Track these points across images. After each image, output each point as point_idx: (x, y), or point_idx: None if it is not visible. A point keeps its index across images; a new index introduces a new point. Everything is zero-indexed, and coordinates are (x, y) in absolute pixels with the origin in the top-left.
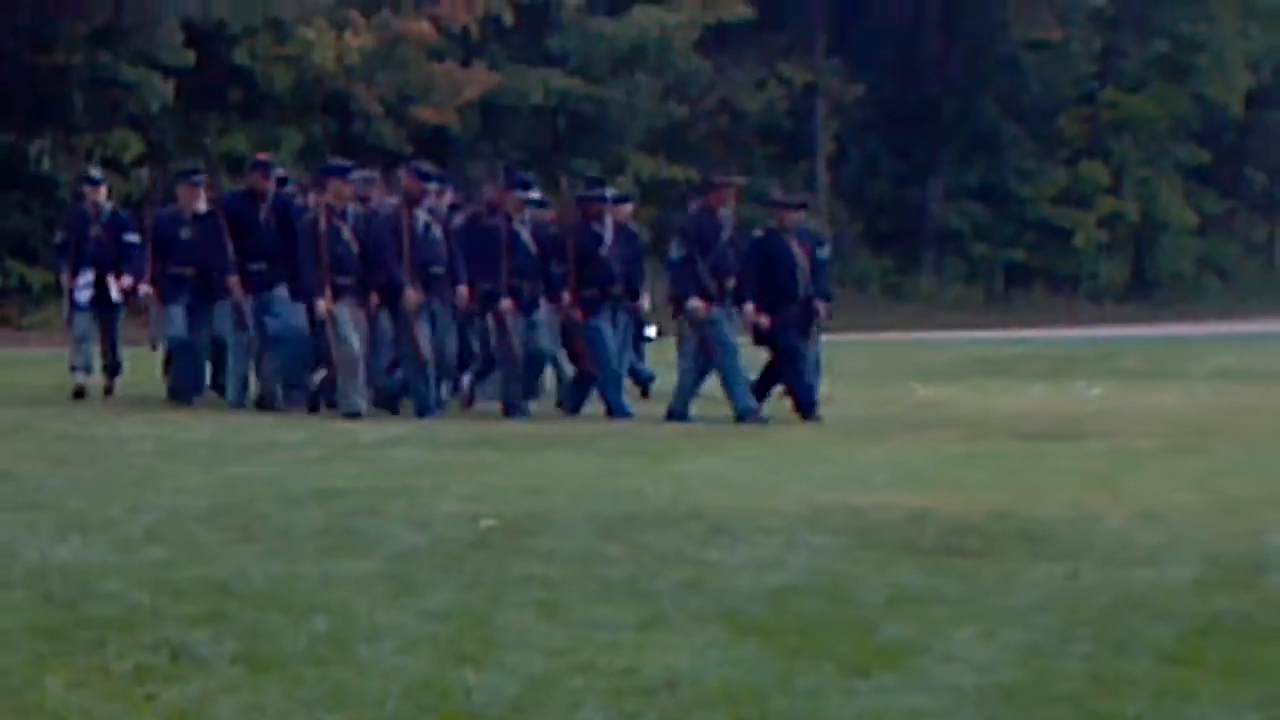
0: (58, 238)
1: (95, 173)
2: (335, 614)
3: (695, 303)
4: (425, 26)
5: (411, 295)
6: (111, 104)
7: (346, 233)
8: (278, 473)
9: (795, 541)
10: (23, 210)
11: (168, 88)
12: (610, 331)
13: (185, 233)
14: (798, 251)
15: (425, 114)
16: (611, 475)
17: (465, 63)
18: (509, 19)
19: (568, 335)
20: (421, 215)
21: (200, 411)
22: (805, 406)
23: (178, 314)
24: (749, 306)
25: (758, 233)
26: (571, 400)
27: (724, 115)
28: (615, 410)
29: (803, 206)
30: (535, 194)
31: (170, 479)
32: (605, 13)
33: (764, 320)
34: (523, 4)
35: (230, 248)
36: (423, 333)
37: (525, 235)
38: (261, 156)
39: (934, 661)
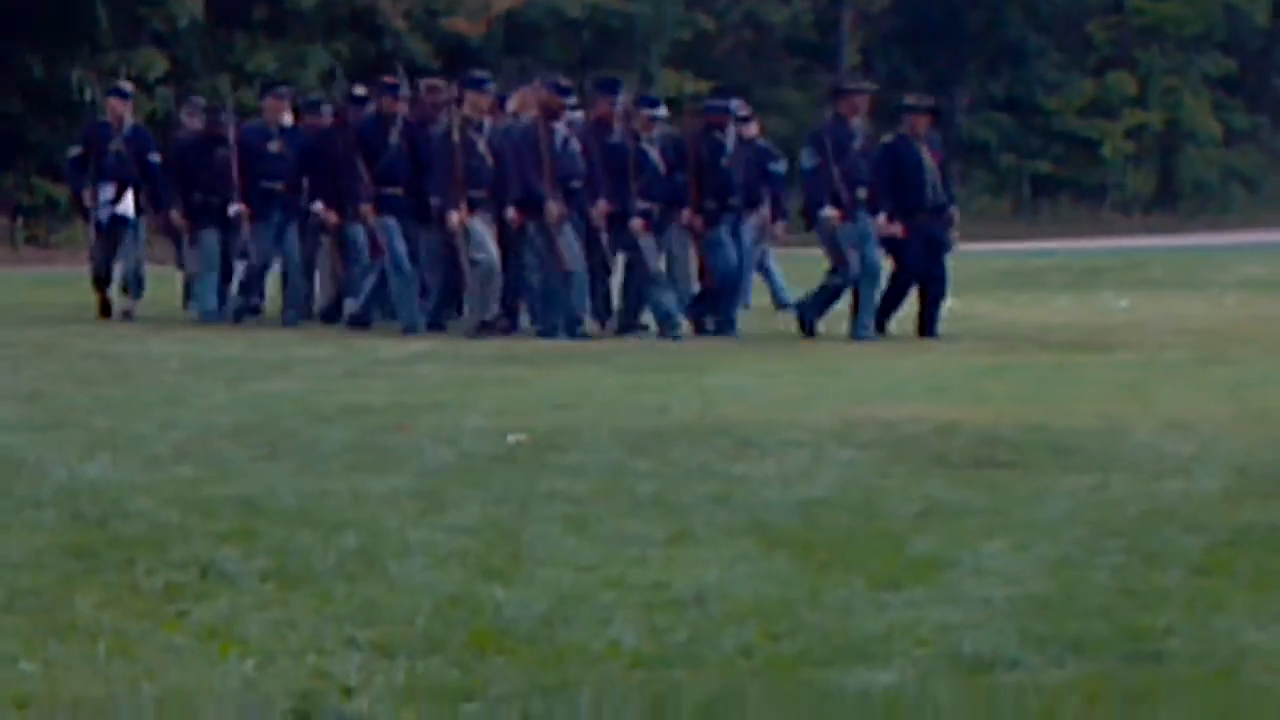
0: (72, 151)
1: (125, 86)
2: (364, 530)
3: (829, 211)
4: None
5: (554, 207)
6: (136, 22)
7: (481, 145)
8: (304, 389)
9: (824, 455)
10: (49, 128)
11: (196, 3)
12: (730, 244)
13: (274, 146)
14: (927, 158)
15: (456, 25)
16: (638, 390)
17: None
18: None
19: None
20: (560, 129)
21: (226, 329)
22: (928, 322)
23: (267, 231)
24: (881, 217)
25: (887, 138)
26: (693, 312)
27: (749, 27)
28: (727, 326)
29: (934, 111)
30: (662, 111)
31: (197, 397)
32: None
33: (897, 229)
34: None
35: (365, 171)
36: (568, 245)
37: (654, 154)
38: (389, 79)
39: (964, 574)
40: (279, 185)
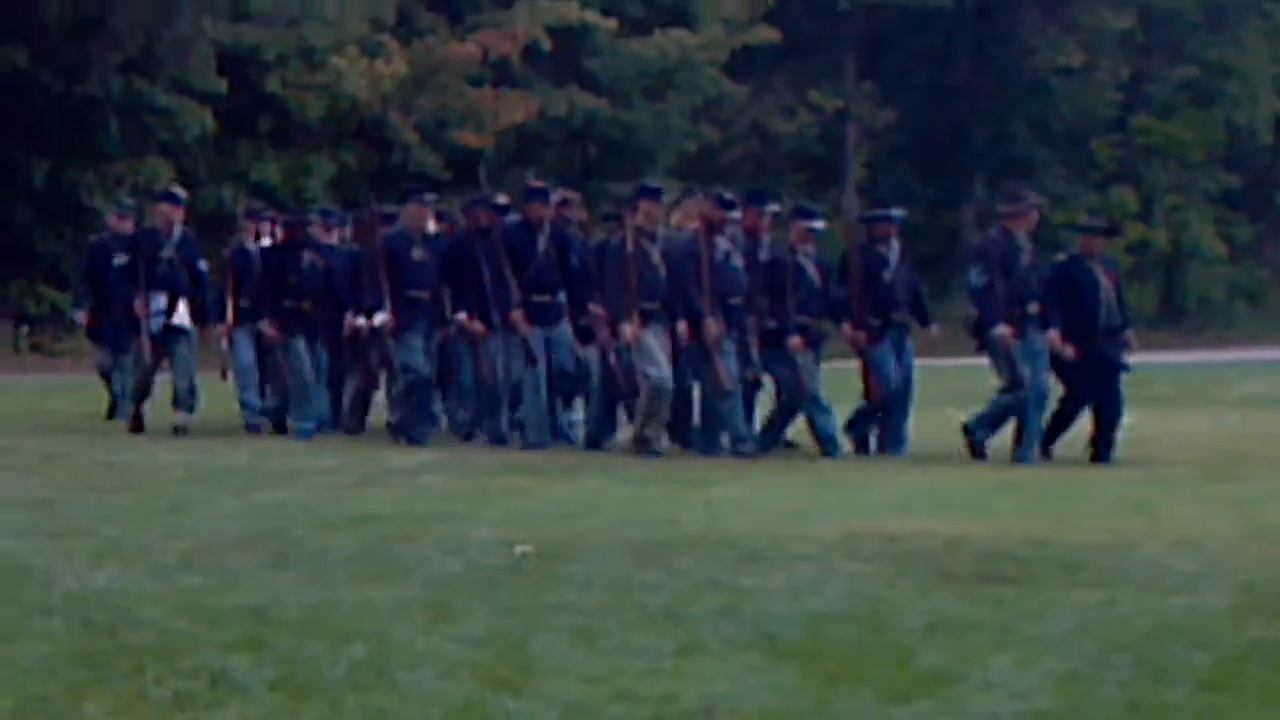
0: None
1: (179, 191)
2: (373, 640)
3: (1002, 329)
4: (470, 48)
5: (712, 325)
6: (144, 131)
7: (655, 256)
8: (311, 499)
9: (832, 568)
10: (56, 237)
11: (205, 114)
12: (893, 360)
13: (418, 254)
14: (1103, 279)
15: (464, 137)
16: (644, 502)
17: (496, 85)
18: (547, 45)
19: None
20: (722, 243)
21: (232, 439)
22: (1103, 447)
23: (416, 341)
24: (1053, 333)
25: (1060, 258)
26: (854, 431)
27: (755, 139)
28: (895, 445)
29: (1111, 232)
30: (820, 224)
31: (204, 505)
32: (640, 33)
33: (1069, 351)
34: (557, 28)
35: (513, 279)
36: (723, 365)
37: (811, 269)
38: (537, 183)
39: (972, 689)
40: (425, 294)
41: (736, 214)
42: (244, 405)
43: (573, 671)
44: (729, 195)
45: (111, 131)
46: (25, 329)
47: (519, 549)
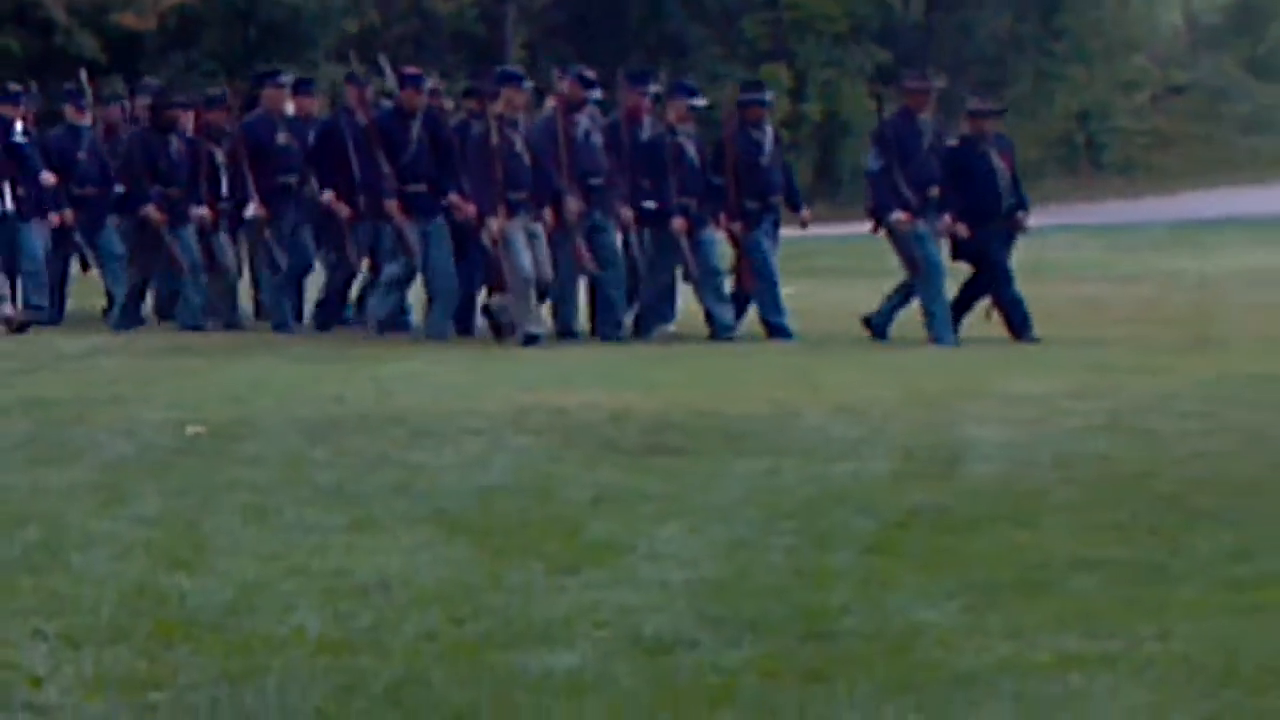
0: None
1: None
2: (47, 523)
3: (898, 215)
4: None
5: (573, 204)
6: None
7: (519, 144)
8: None
9: (500, 442)
10: None
11: None
12: (770, 246)
13: (282, 138)
14: (998, 161)
15: (126, 19)
16: (314, 381)
17: None
18: None
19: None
20: (583, 121)
21: None
22: (1018, 323)
23: (306, 233)
24: (946, 216)
25: (952, 142)
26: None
27: (416, 19)
28: (776, 331)
29: (1001, 113)
30: (701, 101)
31: None
32: None
33: (963, 230)
34: None
35: (387, 167)
36: (582, 252)
37: (692, 149)
38: (412, 70)
39: (640, 558)
40: (293, 179)
41: (597, 92)
42: None
43: (246, 549)
44: (589, 74)
45: None
46: None
47: (191, 429)
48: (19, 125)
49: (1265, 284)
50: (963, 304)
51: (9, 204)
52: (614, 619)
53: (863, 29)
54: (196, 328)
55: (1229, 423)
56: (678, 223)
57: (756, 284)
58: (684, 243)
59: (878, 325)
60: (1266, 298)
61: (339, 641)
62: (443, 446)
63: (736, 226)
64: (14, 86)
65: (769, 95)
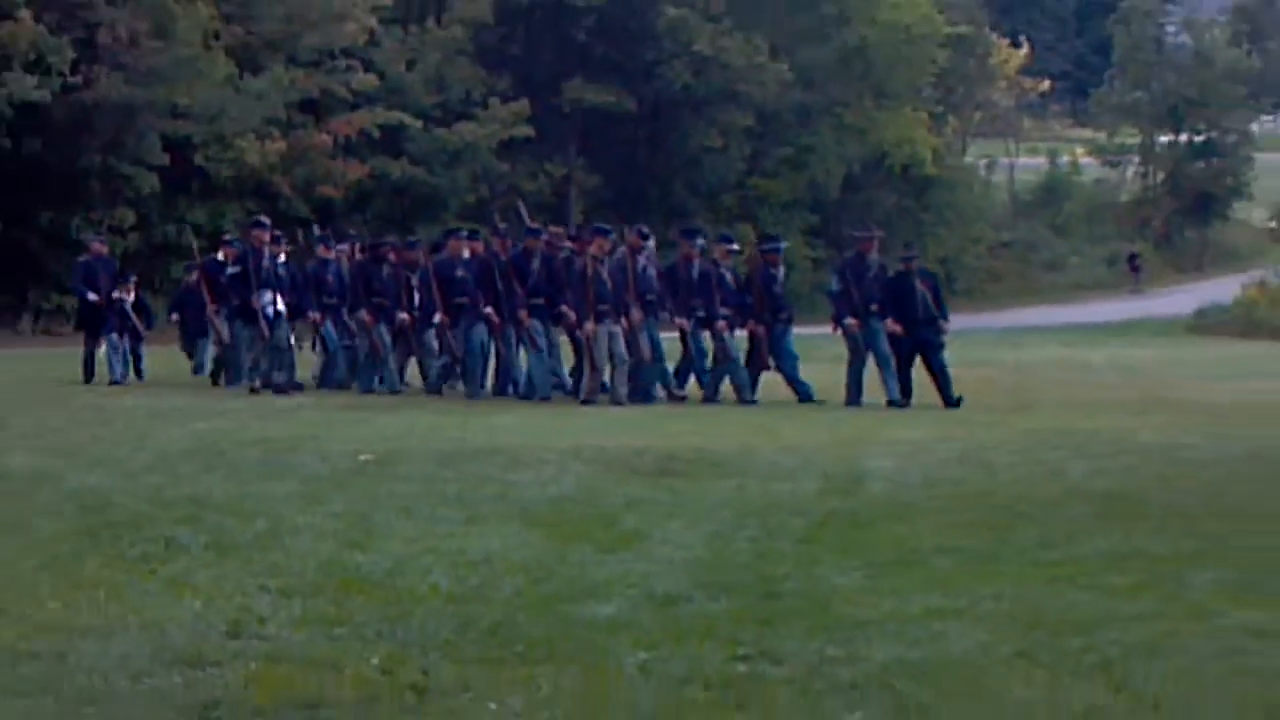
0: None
1: (264, 219)
2: (270, 517)
3: (850, 321)
4: (326, 137)
5: (636, 314)
6: (115, 190)
7: (604, 274)
8: (229, 426)
9: (565, 468)
10: (57, 259)
11: (154, 178)
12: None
13: (460, 273)
14: (920, 286)
15: (325, 191)
16: (444, 426)
17: (344, 158)
18: (376, 134)
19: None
20: (642, 259)
21: (180, 387)
22: (946, 394)
23: (477, 332)
24: (888, 320)
25: (890, 274)
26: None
27: (512, 194)
28: (805, 396)
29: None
30: (735, 247)
31: (159, 432)
32: (439, 126)
33: (898, 329)
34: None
35: (519, 289)
36: (644, 340)
37: (729, 277)
38: (533, 224)
39: (655, 543)
40: (465, 300)
41: (650, 241)
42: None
43: (398, 535)
44: (645, 229)
45: (93, 190)
46: (35, 319)
47: (362, 457)
48: (281, 257)
49: (1061, 368)
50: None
51: (280, 306)
52: (638, 583)
53: (799, 201)
54: (394, 391)
55: (1039, 458)
56: (720, 325)
57: (780, 361)
58: (725, 336)
59: (855, 397)
60: (1062, 377)
61: (459, 595)
62: (527, 470)
63: (759, 329)
64: (275, 233)
65: (782, 244)
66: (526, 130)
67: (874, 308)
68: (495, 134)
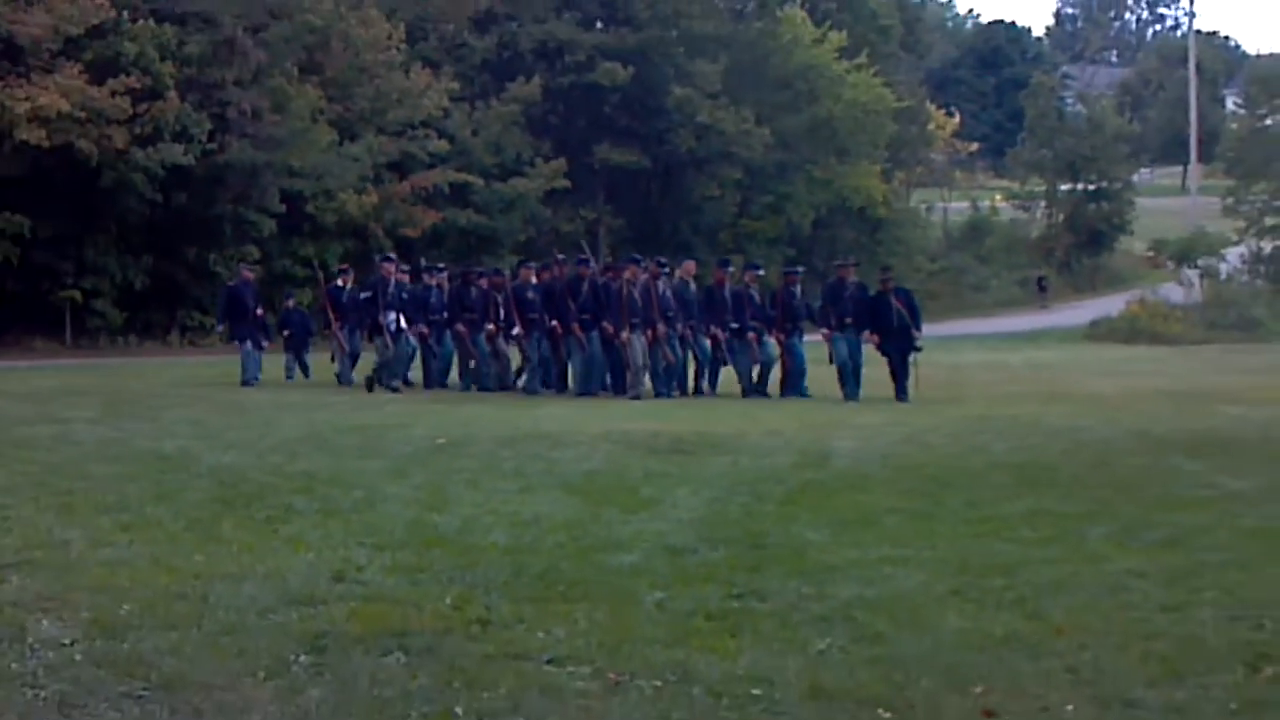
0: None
1: (392, 255)
2: (365, 488)
3: (825, 332)
4: (406, 187)
5: (660, 329)
6: (242, 231)
7: (636, 295)
8: (334, 416)
9: (596, 448)
10: (200, 287)
11: (273, 223)
12: (800, 349)
13: (530, 295)
14: (895, 303)
15: (407, 233)
16: (503, 417)
17: (423, 205)
18: (447, 190)
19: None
20: (663, 284)
21: (300, 387)
22: (900, 390)
23: (536, 344)
24: (866, 332)
25: (870, 293)
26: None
27: (552, 234)
28: (804, 396)
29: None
30: (761, 271)
31: (281, 421)
32: (497, 180)
33: (875, 339)
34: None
35: (572, 307)
36: (667, 353)
37: (756, 296)
38: (584, 255)
39: (668, 507)
40: (536, 316)
41: (666, 269)
42: (339, 376)
43: (467, 501)
44: (663, 259)
45: (226, 232)
46: (182, 334)
47: (439, 440)
48: (394, 280)
49: (986, 368)
50: (895, 378)
51: (403, 323)
52: (654, 539)
53: (780, 238)
54: (484, 389)
55: (968, 439)
56: (750, 335)
57: (792, 368)
58: (754, 347)
59: (851, 396)
60: (987, 376)
61: (513, 548)
62: (567, 449)
63: (781, 338)
64: (403, 266)
65: (800, 270)
66: (564, 183)
67: (848, 321)
68: (540, 187)
